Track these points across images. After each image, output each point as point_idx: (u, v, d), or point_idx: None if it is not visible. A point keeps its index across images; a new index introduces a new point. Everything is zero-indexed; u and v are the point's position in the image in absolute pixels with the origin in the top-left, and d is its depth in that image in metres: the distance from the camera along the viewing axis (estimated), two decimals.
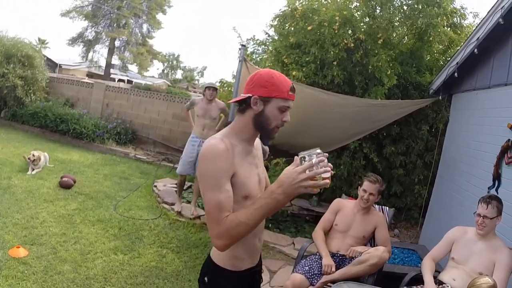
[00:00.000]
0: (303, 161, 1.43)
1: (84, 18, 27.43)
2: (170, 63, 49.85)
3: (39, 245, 4.06)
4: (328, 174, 1.41)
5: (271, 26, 7.46)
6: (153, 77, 43.02)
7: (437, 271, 3.20)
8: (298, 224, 6.22)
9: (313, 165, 1.39)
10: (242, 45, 5.34)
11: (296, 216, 6.42)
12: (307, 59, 6.15)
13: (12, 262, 3.62)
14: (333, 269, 3.28)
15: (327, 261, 3.33)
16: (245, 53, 5.39)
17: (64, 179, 6.14)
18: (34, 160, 6.60)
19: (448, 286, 2.98)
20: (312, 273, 3.33)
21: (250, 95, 1.59)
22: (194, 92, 27.61)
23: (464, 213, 4.73)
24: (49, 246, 4.09)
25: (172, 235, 4.98)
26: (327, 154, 1.44)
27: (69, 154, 8.56)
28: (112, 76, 30.30)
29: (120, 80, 30.28)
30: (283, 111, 1.61)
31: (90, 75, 30.00)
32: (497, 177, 4.13)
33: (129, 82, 30.91)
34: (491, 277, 2.31)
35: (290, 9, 6.63)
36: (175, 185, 7.19)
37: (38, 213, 4.90)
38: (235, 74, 7.58)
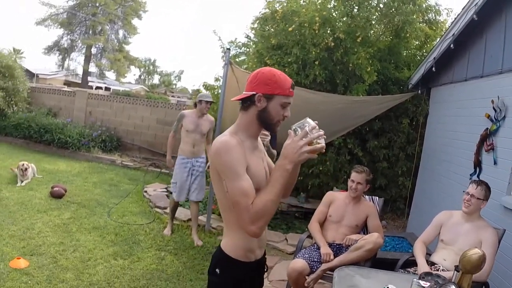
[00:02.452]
0: (296, 132, 1.59)
1: (59, 26, 27.25)
2: (147, 68, 49.60)
3: (38, 255, 4.11)
4: (322, 140, 1.57)
5: (252, 28, 7.59)
6: (130, 83, 42.74)
7: (428, 253, 3.38)
8: (288, 221, 6.37)
9: (308, 133, 1.55)
10: (227, 49, 5.47)
11: (285, 214, 6.60)
12: (289, 59, 6.27)
13: (14, 273, 3.66)
14: (332, 257, 3.45)
15: (325, 250, 3.51)
16: (230, 56, 5.51)
17: (55, 188, 6.16)
18: (26, 169, 6.65)
19: (439, 266, 3.17)
20: (312, 260, 3.49)
21: (254, 92, 1.67)
22: (173, 96, 27.70)
23: (446, 200, 4.97)
24: (49, 255, 4.13)
25: (168, 238, 5.07)
26: (317, 121, 1.61)
27: (56, 164, 8.55)
28: (89, 83, 30.02)
29: (98, 88, 30.14)
30: (284, 107, 1.72)
31: (67, 83, 29.59)
32: (478, 164, 4.34)
33: (107, 89, 30.74)
34: (480, 249, 2.48)
35: (270, 11, 6.75)
36: (165, 190, 7.27)
37: (33, 224, 4.94)
38: (217, 77, 7.74)
